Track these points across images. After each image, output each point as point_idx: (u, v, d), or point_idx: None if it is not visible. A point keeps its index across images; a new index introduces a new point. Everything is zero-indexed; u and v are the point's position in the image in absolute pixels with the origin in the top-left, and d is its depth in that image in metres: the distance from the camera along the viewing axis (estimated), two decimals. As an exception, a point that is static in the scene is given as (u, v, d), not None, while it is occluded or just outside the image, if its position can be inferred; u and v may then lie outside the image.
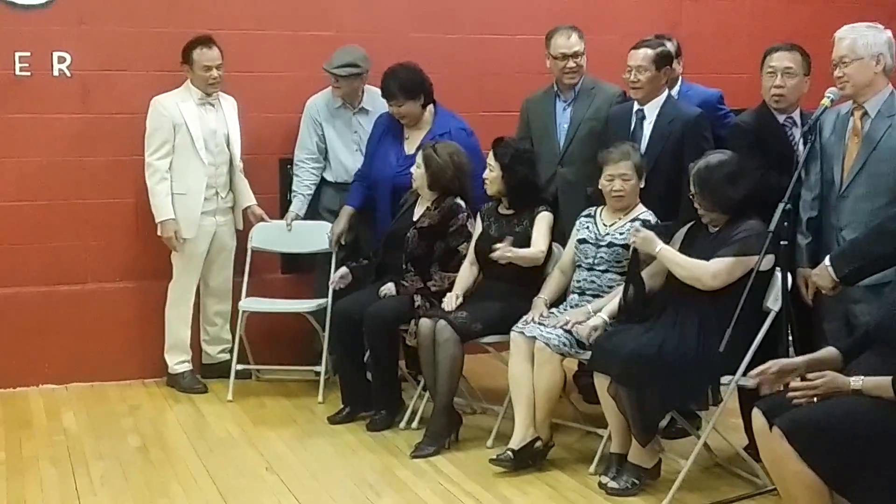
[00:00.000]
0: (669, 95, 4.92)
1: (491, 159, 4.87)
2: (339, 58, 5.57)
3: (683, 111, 4.84)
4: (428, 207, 5.10)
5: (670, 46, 5.02)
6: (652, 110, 4.87)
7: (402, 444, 4.78)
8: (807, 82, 4.51)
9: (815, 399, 3.30)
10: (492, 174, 4.88)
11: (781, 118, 4.52)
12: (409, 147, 5.39)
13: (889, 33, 4.16)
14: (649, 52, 4.83)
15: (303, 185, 5.71)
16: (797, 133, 4.47)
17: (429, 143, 5.13)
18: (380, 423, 4.98)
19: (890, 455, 3.19)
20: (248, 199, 5.74)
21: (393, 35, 6.01)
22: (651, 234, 4.25)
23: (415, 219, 5.12)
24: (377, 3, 6.10)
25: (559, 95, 5.36)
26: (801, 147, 4.37)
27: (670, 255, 4.19)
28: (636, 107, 4.93)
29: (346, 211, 5.61)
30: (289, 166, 5.84)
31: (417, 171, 5.08)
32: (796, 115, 4.51)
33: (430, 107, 5.42)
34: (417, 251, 5.04)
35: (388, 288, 5.00)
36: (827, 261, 3.32)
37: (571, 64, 5.24)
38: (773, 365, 3.50)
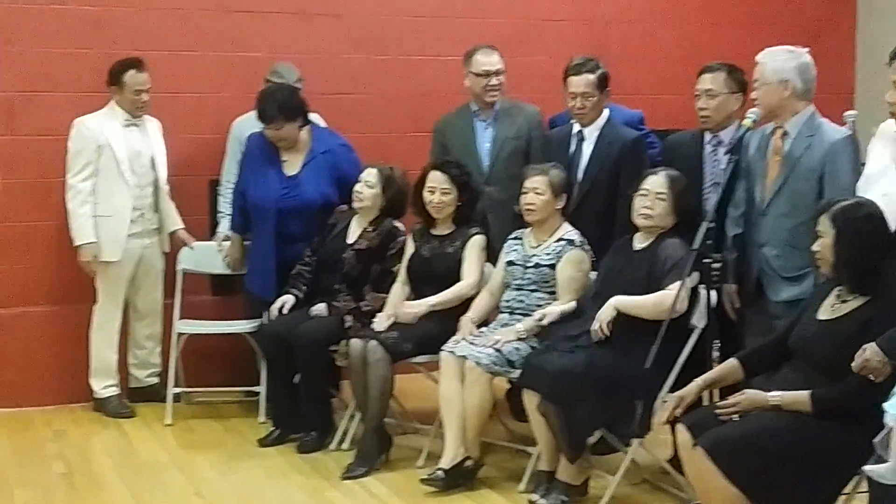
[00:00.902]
0: (609, 118, 4.96)
1: (446, 182, 4.86)
2: (289, 75, 5.54)
3: (622, 134, 4.90)
4: (365, 229, 5.09)
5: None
6: (592, 132, 4.92)
7: (332, 466, 4.75)
8: (737, 99, 4.57)
9: (736, 416, 3.38)
10: (448, 197, 4.87)
11: (709, 137, 4.60)
12: (290, 169, 5.31)
13: (805, 58, 4.26)
14: (591, 77, 4.86)
15: (230, 205, 5.68)
16: (721, 153, 4.54)
17: (384, 165, 5.10)
18: (310, 445, 4.95)
19: (808, 468, 3.28)
20: (175, 222, 5.69)
21: (324, 56, 6.01)
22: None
23: (350, 240, 5.11)
24: (308, 23, 6.10)
25: (478, 115, 5.35)
26: (720, 166, 4.47)
27: (629, 304, 4.20)
28: (575, 129, 4.98)
29: (237, 238, 5.53)
30: (217, 187, 5.80)
31: (370, 192, 5.05)
32: (726, 133, 4.58)
33: (307, 127, 5.36)
34: (353, 272, 5.04)
35: (319, 308, 4.98)
36: (875, 345, 3.28)
37: (494, 81, 5.27)
38: (673, 402, 3.59)
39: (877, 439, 3.07)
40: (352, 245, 5.08)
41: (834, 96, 5.97)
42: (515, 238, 4.75)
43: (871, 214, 3.49)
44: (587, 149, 4.90)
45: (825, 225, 3.49)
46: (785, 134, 4.20)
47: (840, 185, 3.98)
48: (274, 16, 6.03)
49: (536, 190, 4.58)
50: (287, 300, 5.10)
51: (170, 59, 5.74)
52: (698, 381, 3.69)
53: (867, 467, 3.06)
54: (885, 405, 3.01)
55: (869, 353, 3.20)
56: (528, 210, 4.60)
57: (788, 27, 6.34)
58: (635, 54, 6.38)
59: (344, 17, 6.15)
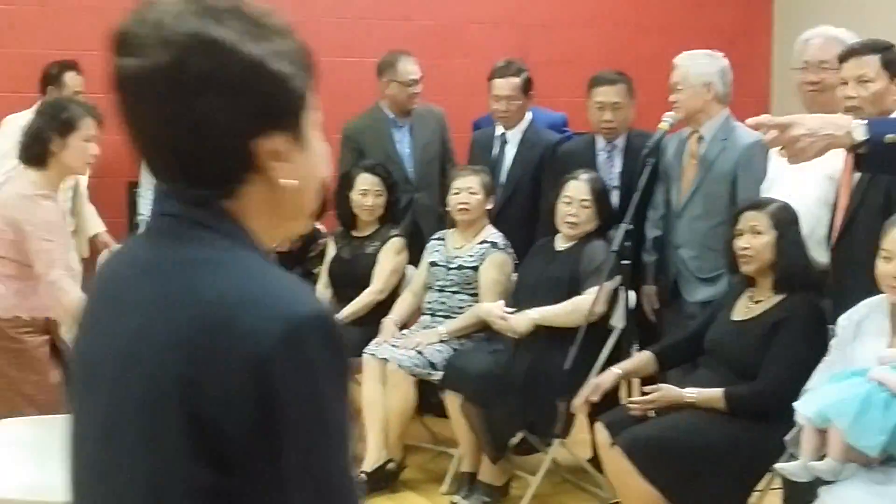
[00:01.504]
0: (532, 121, 4.97)
1: (378, 185, 4.83)
2: None
3: (544, 137, 4.93)
4: None
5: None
6: (515, 135, 4.93)
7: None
8: (632, 109, 4.65)
9: (652, 412, 3.43)
10: (381, 199, 4.84)
11: (602, 144, 4.65)
12: None
13: (724, 62, 4.34)
14: (515, 80, 4.87)
15: (149, 208, 5.57)
16: (617, 157, 4.62)
17: None
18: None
19: (722, 466, 3.35)
20: (95, 226, 5.57)
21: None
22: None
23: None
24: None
25: (395, 122, 5.26)
26: (615, 170, 4.57)
27: (548, 315, 4.21)
28: (498, 132, 5.00)
29: None
30: (136, 189, 5.70)
31: None
32: (620, 139, 4.64)
33: None
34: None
35: None
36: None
37: (418, 89, 5.25)
38: (588, 388, 3.64)
39: (788, 437, 3.14)
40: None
41: (750, 101, 6.10)
42: (438, 239, 4.75)
43: (795, 216, 3.58)
44: (510, 152, 4.92)
45: (764, 224, 3.53)
46: (700, 138, 4.27)
47: (755, 187, 4.06)
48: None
49: (470, 189, 4.58)
50: None
51: (87, 60, 5.63)
52: (614, 370, 3.77)
53: (779, 465, 3.13)
54: (796, 404, 3.08)
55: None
56: (463, 210, 4.58)
57: (706, 32, 6.44)
58: (557, 58, 6.42)
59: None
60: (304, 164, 1.23)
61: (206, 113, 1.15)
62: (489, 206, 4.63)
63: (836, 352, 3.19)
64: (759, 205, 3.61)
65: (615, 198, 4.52)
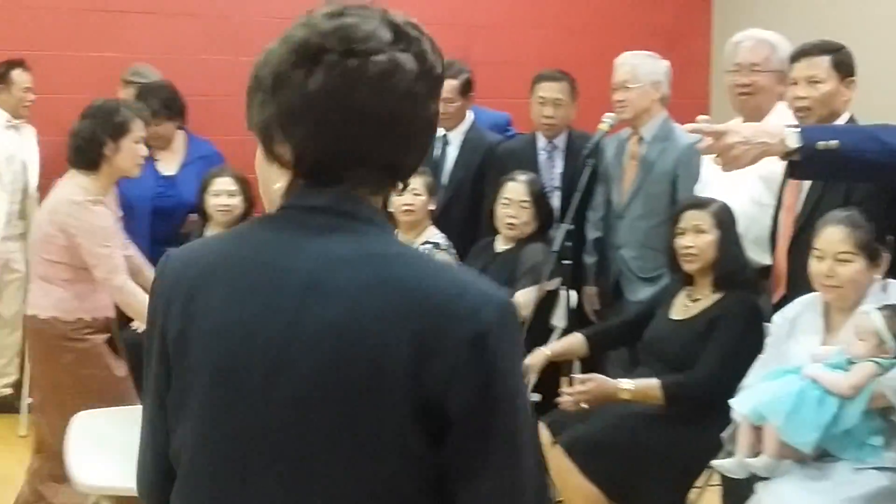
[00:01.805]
0: (474, 122, 4.95)
1: None
2: (152, 76, 5.41)
3: (486, 139, 4.90)
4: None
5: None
6: (456, 137, 4.91)
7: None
8: (574, 108, 4.68)
9: (584, 405, 3.44)
10: None
11: (543, 143, 4.68)
12: (165, 168, 5.15)
13: (666, 63, 4.39)
14: (454, 82, 4.84)
15: None
16: (558, 158, 4.65)
17: (237, 172, 4.99)
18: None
19: (662, 464, 3.37)
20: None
21: (184, 56, 5.90)
22: None
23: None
24: (167, 23, 5.97)
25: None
26: (556, 171, 4.60)
27: None
28: (440, 133, 5.00)
29: None
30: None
31: (233, 200, 4.93)
32: (560, 139, 4.67)
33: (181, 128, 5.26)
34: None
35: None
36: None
37: None
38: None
39: (724, 434, 3.18)
40: None
41: (689, 102, 6.15)
42: None
43: (734, 216, 3.63)
44: (452, 153, 4.91)
45: (707, 223, 3.56)
46: (641, 139, 4.31)
47: (693, 188, 4.11)
48: (130, 15, 5.89)
49: (415, 191, 4.57)
50: None
51: (28, 60, 5.55)
52: (544, 351, 3.78)
53: (716, 462, 3.17)
54: (732, 402, 3.11)
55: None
56: (407, 211, 4.56)
57: (646, 34, 6.49)
58: (499, 59, 6.44)
59: (201, 17, 6.04)
60: None
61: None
62: (432, 207, 4.63)
63: (771, 349, 3.23)
64: (701, 204, 3.64)
65: (556, 199, 4.55)
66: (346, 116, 1.30)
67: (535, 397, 4.16)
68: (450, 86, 4.87)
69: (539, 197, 4.34)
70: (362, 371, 1.23)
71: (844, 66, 3.42)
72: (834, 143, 2.59)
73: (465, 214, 4.79)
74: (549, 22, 6.69)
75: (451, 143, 4.93)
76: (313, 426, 1.24)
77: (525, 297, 4.09)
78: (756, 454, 3.01)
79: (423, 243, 4.57)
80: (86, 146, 3.64)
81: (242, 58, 6.07)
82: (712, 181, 3.93)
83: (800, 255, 3.27)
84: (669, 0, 6.91)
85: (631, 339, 3.80)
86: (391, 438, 1.23)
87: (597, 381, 3.49)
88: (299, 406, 1.24)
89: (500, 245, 4.39)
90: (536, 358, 3.75)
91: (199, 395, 1.30)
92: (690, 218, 3.58)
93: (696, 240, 3.55)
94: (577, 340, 3.83)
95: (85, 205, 3.57)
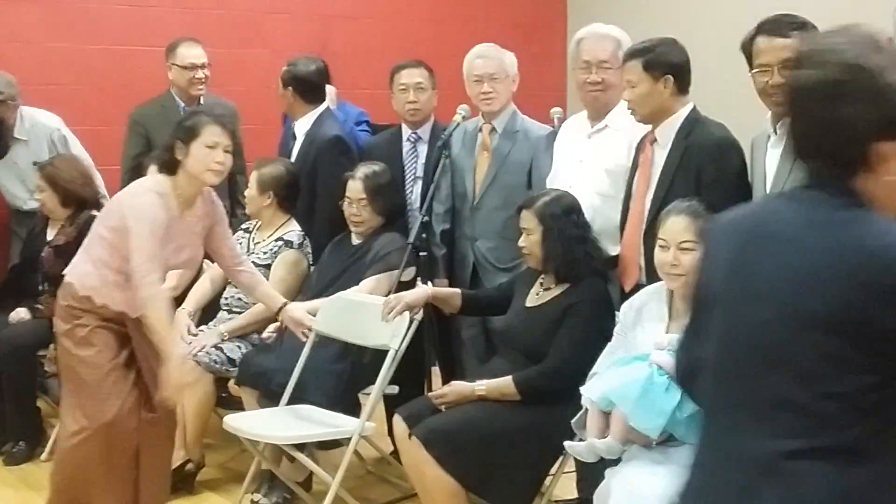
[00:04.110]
0: (321, 115, 4.85)
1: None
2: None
3: (323, 133, 4.79)
4: (63, 225, 4.84)
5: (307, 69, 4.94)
6: (301, 129, 4.87)
7: (43, 478, 4.49)
8: (435, 96, 4.69)
9: (443, 408, 3.49)
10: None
11: (407, 134, 4.67)
12: None
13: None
14: (283, 71, 4.86)
15: None
16: (421, 149, 4.65)
17: (43, 162, 4.87)
18: (18, 456, 4.67)
19: (516, 451, 3.41)
20: None
21: (28, 44, 5.68)
22: None
23: (49, 238, 4.86)
24: (9, 9, 5.74)
25: (185, 109, 5.09)
26: (419, 161, 4.58)
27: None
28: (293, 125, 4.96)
29: None
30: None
31: (44, 195, 4.80)
32: (424, 130, 4.67)
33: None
34: (54, 270, 4.77)
35: (19, 313, 4.72)
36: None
37: (200, 74, 5.15)
38: (393, 301, 3.81)
39: (574, 420, 3.22)
40: (50, 242, 4.83)
41: (547, 94, 6.24)
42: (245, 230, 4.67)
43: (570, 206, 3.67)
44: (297, 146, 4.87)
45: (531, 222, 3.62)
46: (493, 130, 4.35)
47: (544, 178, 4.16)
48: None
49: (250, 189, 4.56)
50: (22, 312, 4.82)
51: None
52: (425, 289, 3.86)
53: (567, 443, 3.19)
54: (582, 389, 3.16)
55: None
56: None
57: (504, 26, 6.56)
58: (357, 49, 6.41)
59: (46, 3, 5.83)
60: None
61: (845, 118, 1.61)
62: (267, 203, 4.53)
63: (619, 337, 3.30)
64: (529, 203, 3.69)
65: (418, 189, 4.54)
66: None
67: (393, 390, 4.18)
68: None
69: (377, 191, 4.32)
70: (824, 309, 1.58)
71: (658, 66, 3.50)
72: None
73: (305, 210, 4.69)
74: (407, 13, 6.69)
75: (297, 137, 4.88)
76: (780, 341, 1.63)
77: (371, 285, 4.08)
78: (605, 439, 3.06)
79: (276, 240, 4.51)
80: (162, 150, 3.67)
81: (91, 46, 6.00)
82: (561, 172, 3.99)
83: (654, 240, 3.35)
84: (526, -7, 6.99)
85: (499, 311, 3.82)
86: (839, 356, 1.58)
87: (454, 387, 3.56)
88: (772, 326, 1.64)
89: (356, 239, 4.38)
90: (416, 294, 3.80)
91: (717, 322, 1.73)
92: (522, 219, 3.65)
93: (525, 240, 3.64)
94: (455, 294, 3.90)
95: (147, 191, 3.52)
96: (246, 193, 4.57)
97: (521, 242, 3.67)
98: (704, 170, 3.42)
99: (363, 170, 4.36)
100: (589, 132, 4.01)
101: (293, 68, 4.84)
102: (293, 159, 4.77)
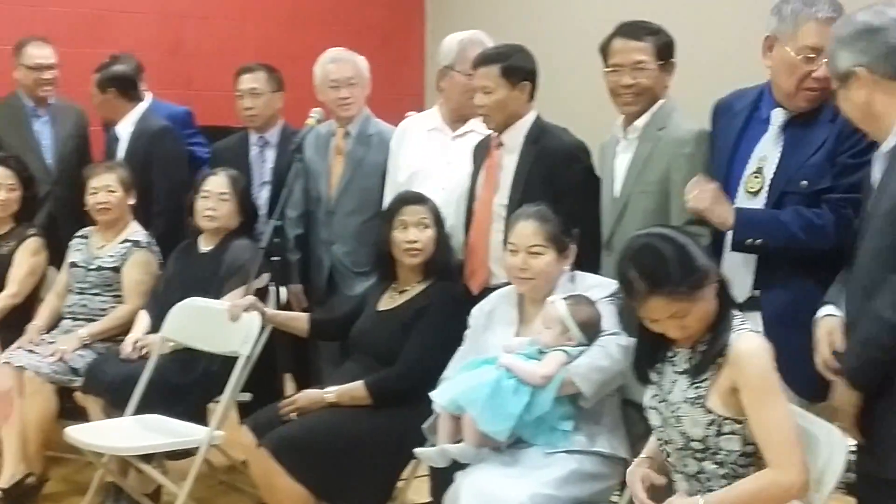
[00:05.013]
0: (144, 113, 4.86)
1: (11, 178, 4.53)
2: None
3: (150, 125, 4.80)
4: None
5: (125, 66, 4.93)
6: (125, 129, 4.82)
7: None
8: (279, 98, 4.63)
9: (294, 415, 3.43)
10: (13, 194, 4.56)
11: (255, 138, 4.62)
12: None
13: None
14: (95, 77, 4.82)
15: None
16: (269, 153, 4.59)
17: None
18: None
19: (367, 458, 3.39)
20: None
21: None
22: None
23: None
24: None
25: (34, 111, 5.05)
26: (267, 166, 4.55)
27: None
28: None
29: None
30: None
31: None
32: (272, 134, 4.61)
33: None
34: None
35: None
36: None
37: (48, 75, 5.01)
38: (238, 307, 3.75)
39: (425, 425, 3.22)
40: None
41: (406, 97, 6.26)
42: (82, 237, 4.52)
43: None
44: (122, 147, 4.81)
45: (429, 218, 3.61)
46: (347, 133, 4.32)
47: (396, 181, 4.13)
48: None
49: (109, 188, 4.40)
50: None
51: None
52: (266, 310, 3.80)
53: (418, 450, 3.18)
54: (432, 394, 3.15)
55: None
56: (103, 209, 4.41)
57: (361, 29, 6.54)
58: (211, 50, 6.29)
59: None
60: None
61: None
62: (132, 202, 4.45)
63: (470, 341, 3.31)
64: (420, 199, 3.68)
65: (266, 193, 4.49)
66: None
67: (246, 397, 4.11)
68: (95, 79, 4.84)
69: (242, 191, 4.27)
70: None
71: (516, 72, 3.54)
72: (759, 241, 2.87)
73: (146, 206, 4.62)
74: (262, 14, 6.61)
75: (121, 139, 4.81)
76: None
77: (232, 300, 4.00)
78: (457, 443, 3.06)
79: (123, 241, 4.40)
80: None
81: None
82: (424, 173, 3.99)
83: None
84: (382, -4, 6.97)
85: (348, 334, 3.79)
86: None
87: (304, 394, 3.52)
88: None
89: (203, 245, 4.28)
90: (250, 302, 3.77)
91: None
92: (414, 212, 3.62)
93: (420, 234, 3.60)
94: (302, 319, 3.85)
95: None
96: (97, 199, 4.40)
97: (412, 236, 3.58)
98: (558, 175, 3.47)
99: (227, 171, 4.30)
100: (452, 135, 4.02)
101: (109, 70, 4.82)
102: (119, 156, 4.73)
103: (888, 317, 2.34)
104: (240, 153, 4.59)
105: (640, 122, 3.28)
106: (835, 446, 2.44)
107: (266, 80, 4.56)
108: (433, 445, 3.19)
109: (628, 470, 2.71)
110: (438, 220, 3.64)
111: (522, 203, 3.38)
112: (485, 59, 3.59)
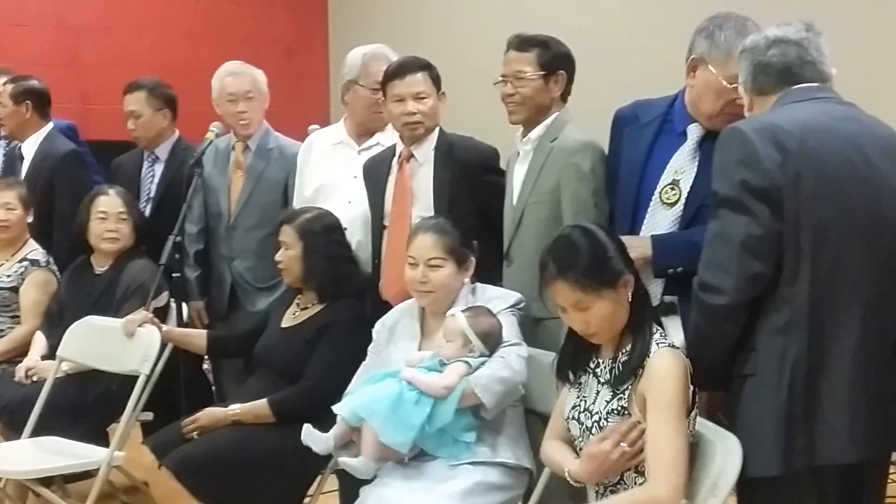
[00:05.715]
0: (49, 133, 4.79)
1: None
2: None
3: (56, 148, 4.72)
4: None
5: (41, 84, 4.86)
6: (29, 148, 4.75)
7: None
8: (164, 116, 4.56)
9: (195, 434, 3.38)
10: None
11: (146, 154, 4.58)
12: None
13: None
14: (10, 87, 4.74)
15: None
16: (158, 168, 4.56)
17: None
18: None
19: (274, 475, 3.35)
20: None
21: None
22: None
23: None
24: None
25: None
26: (154, 182, 4.50)
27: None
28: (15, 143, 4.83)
29: None
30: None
31: None
32: (162, 150, 4.57)
33: None
34: None
35: None
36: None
37: None
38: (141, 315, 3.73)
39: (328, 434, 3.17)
40: None
41: (311, 109, 6.23)
42: None
43: (332, 225, 3.66)
44: (26, 163, 4.73)
45: (291, 237, 3.58)
46: (246, 147, 4.29)
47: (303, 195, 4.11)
48: None
49: (8, 205, 4.33)
50: None
51: None
52: (163, 328, 3.75)
53: (343, 459, 3.12)
54: (334, 407, 3.13)
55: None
56: (2, 227, 4.35)
57: (264, 42, 6.50)
58: (109, 63, 6.19)
59: None
60: None
61: None
62: (30, 220, 4.37)
63: (373, 356, 3.30)
64: (290, 218, 3.66)
65: (148, 210, 4.45)
66: None
67: (148, 416, 4.04)
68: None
69: (136, 210, 4.23)
70: None
71: (439, 82, 3.59)
72: (680, 269, 2.90)
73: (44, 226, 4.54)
74: (160, 26, 6.53)
75: (25, 157, 4.74)
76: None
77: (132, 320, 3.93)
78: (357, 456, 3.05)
79: (20, 261, 4.31)
80: None
81: None
82: (339, 187, 3.96)
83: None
84: (286, 9, 6.95)
85: (249, 351, 3.75)
86: None
87: (207, 412, 3.47)
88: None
89: (98, 266, 4.21)
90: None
91: None
92: (282, 233, 3.62)
93: (283, 255, 3.60)
94: (200, 336, 3.81)
95: None
96: (2, 216, 4.31)
97: (278, 257, 3.61)
98: (480, 185, 3.52)
99: (112, 188, 4.24)
100: (358, 149, 4.02)
101: (26, 83, 4.73)
102: (23, 174, 4.64)
103: (694, 320, 2.51)
104: (134, 169, 4.55)
105: (535, 133, 3.33)
106: (730, 451, 2.47)
107: (146, 100, 4.50)
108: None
109: (543, 446, 2.72)
110: (307, 237, 3.57)
111: (452, 214, 3.38)
112: (420, 66, 3.58)
